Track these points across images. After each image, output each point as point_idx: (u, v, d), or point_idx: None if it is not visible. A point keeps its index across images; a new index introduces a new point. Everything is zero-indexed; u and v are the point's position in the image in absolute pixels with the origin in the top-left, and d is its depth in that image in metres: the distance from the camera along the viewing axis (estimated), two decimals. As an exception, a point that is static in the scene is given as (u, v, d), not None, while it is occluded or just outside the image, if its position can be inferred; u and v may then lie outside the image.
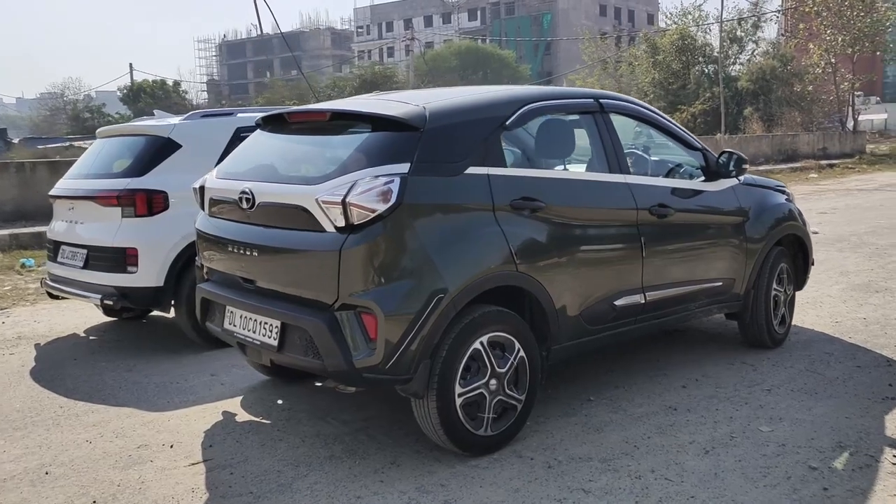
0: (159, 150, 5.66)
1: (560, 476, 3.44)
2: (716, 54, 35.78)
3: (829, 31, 31.10)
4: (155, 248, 5.44)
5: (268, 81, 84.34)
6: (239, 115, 6.25)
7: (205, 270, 4.28)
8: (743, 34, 35.66)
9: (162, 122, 5.97)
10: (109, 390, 4.83)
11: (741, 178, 4.97)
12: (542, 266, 3.76)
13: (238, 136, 5.91)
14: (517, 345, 3.71)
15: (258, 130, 4.34)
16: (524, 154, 4.00)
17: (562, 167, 4.19)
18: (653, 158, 4.75)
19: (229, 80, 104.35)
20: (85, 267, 5.66)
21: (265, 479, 3.50)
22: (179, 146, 5.69)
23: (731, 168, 4.77)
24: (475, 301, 3.54)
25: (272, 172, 3.92)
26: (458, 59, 70.05)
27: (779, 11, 35.98)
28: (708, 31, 37.72)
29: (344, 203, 3.29)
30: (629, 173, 4.32)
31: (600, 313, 4.11)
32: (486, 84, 54.76)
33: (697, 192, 4.68)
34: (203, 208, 4.26)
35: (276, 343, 3.62)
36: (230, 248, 3.88)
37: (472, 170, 3.60)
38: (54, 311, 7.17)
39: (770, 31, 39.56)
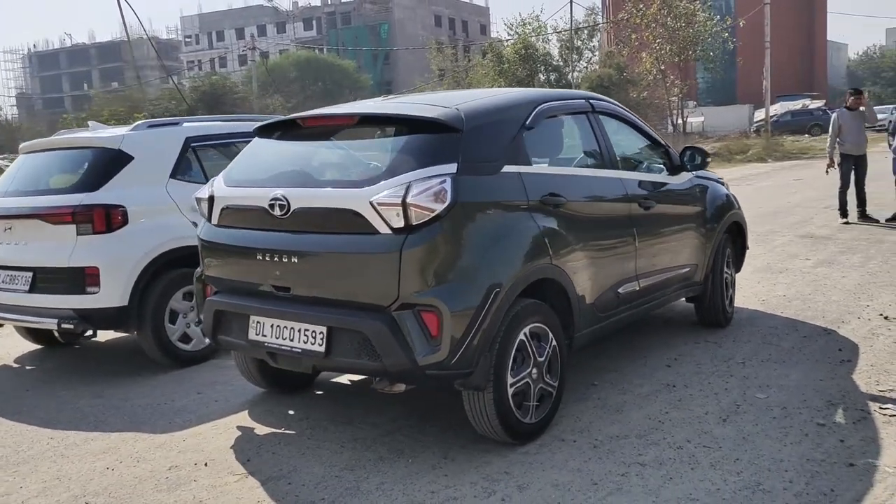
0: (111, 162, 5.38)
1: (610, 454, 3.65)
2: (556, 62, 37.54)
3: (657, 42, 33.44)
4: (117, 265, 5.16)
5: (92, 94, 79.40)
6: (185, 124, 6.04)
7: (210, 282, 4.16)
8: (581, 43, 37.69)
9: (109, 134, 5.67)
10: (94, 417, 4.55)
11: (695, 172, 5.40)
12: (568, 258, 3.96)
13: (188, 147, 5.75)
14: (550, 335, 3.89)
15: (260, 138, 4.27)
16: (542, 152, 4.19)
17: (572, 164, 4.42)
18: (630, 155, 5.07)
19: (42, 93, 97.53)
20: (32, 291, 5.27)
21: (328, 485, 3.47)
22: (131, 158, 5.43)
23: (697, 162, 5.18)
24: (518, 294, 3.69)
25: (306, 178, 3.87)
26: (298, 69, 69.22)
27: (610, 22, 38.30)
28: (547, 40, 39.51)
29: (404, 204, 3.35)
30: (620, 169, 4.62)
31: (608, 301, 4.37)
32: (329, 95, 53.71)
33: (668, 186, 5.05)
34: (209, 218, 4.13)
35: (322, 349, 3.60)
36: (257, 257, 3.80)
37: (506, 168, 3.75)
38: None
39: (605, 40, 41.83)
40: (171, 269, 5.41)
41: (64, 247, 5.15)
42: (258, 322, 3.88)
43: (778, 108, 46.07)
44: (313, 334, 3.65)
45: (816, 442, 3.68)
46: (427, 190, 3.38)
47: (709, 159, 5.24)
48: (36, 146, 5.99)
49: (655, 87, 35.01)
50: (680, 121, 35.73)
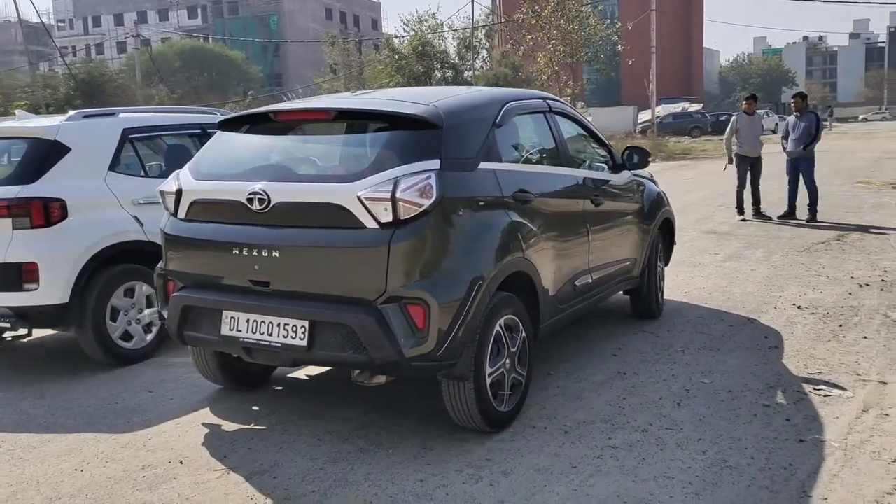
0: (46, 153, 5.15)
1: (581, 438, 3.84)
2: (453, 60, 37.91)
3: (552, 43, 34.38)
4: (57, 261, 4.96)
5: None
6: (121, 115, 5.84)
7: (175, 277, 4.08)
8: (477, 42, 38.22)
9: (43, 123, 5.41)
10: (43, 419, 4.38)
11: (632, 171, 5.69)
12: (536, 252, 4.12)
13: (125, 138, 5.59)
14: (521, 326, 4.04)
15: (225, 132, 4.22)
16: (509, 150, 4.33)
17: (534, 161, 4.57)
18: (580, 153, 5.27)
19: None
20: (-41, 288, 4.99)
21: (314, 477, 3.50)
22: (68, 149, 5.22)
23: (637, 161, 5.45)
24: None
25: (286, 172, 3.86)
26: (182, 58, 66.88)
27: (506, 22, 39.01)
28: (443, 38, 39.84)
29: (393, 199, 3.41)
30: (574, 167, 4.83)
31: (567, 293, 4.57)
32: (217, 86, 51.96)
33: (611, 183, 5.29)
34: (175, 212, 4.05)
35: (304, 343, 3.61)
36: (233, 252, 3.76)
37: (482, 165, 3.87)
38: None
39: (498, 40, 42.46)
40: (111, 265, 5.24)
41: (-1, 241, 4.90)
42: (232, 317, 3.84)
43: (660, 111, 48.20)
44: (294, 328, 3.66)
45: (765, 422, 3.98)
46: (414, 185, 3.45)
47: (650, 159, 5.53)
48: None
49: (549, 87, 35.95)
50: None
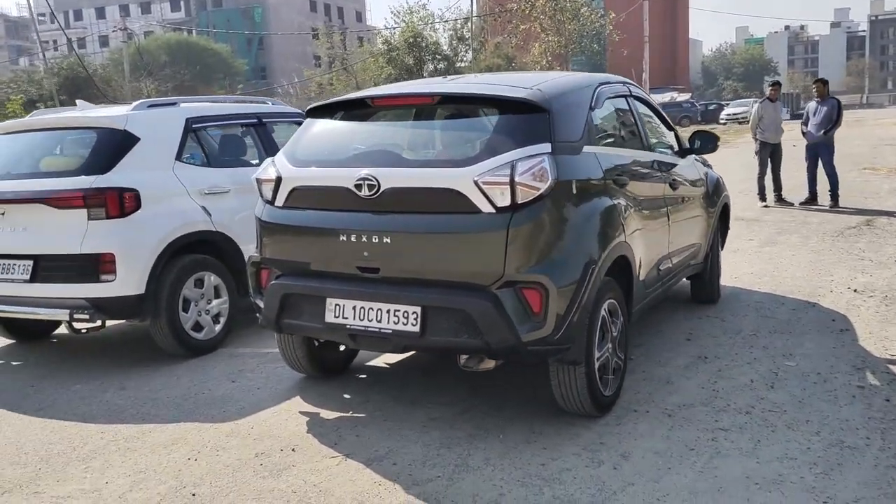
0: (117, 143, 5.10)
1: (687, 422, 3.86)
2: (445, 52, 37.83)
3: (545, 33, 34.44)
4: (134, 252, 4.92)
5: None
6: (182, 104, 5.79)
7: (272, 265, 4.06)
8: (468, 34, 38.13)
9: (111, 114, 5.36)
10: (134, 410, 4.35)
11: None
12: (633, 236, 4.14)
13: (189, 128, 5.55)
14: (619, 310, 4.06)
15: (318, 118, 4.19)
16: (603, 133, 4.33)
17: (622, 145, 4.58)
18: (654, 137, 5.27)
19: None
20: (34, 280, 4.94)
21: (435, 463, 3.50)
22: (137, 139, 5.17)
23: (702, 146, 5.45)
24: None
25: (394, 158, 3.84)
26: (168, 52, 66.20)
27: (501, 13, 38.91)
28: (434, 29, 39.72)
29: (512, 183, 3.41)
30: (653, 150, 4.85)
31: (653, 277, 4.59)
32: (204, 80, 51.34)
33: (682, 167, 5.31)
34: (273, 200, 4.03)
35: (417, 329, 3.61)
36: (340, 238, 3.75)
37: (586, 148, 3.87)
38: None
39: (488, 31, 42.26)
40: (182, 255, 5.21)
41: (73, 233, 4.85)
42: (337, 304, 3.83)
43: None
44: (405, 315, 3.65)
45: (867, 403, 4.02)
46: (531, 169, 3.45)
47: (718, 143, 5.54)
48: (17, 126, 5.58)
49: (543, 78, 36.01)
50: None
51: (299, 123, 6.50)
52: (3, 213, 5.03)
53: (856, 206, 10.78)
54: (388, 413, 4.11)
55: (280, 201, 4.00)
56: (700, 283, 5.96)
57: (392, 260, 3.67)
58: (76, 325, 4.92)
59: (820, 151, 10.90)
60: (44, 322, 5.83)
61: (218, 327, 5.47)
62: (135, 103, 5.50)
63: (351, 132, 4.11)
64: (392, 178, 3.63)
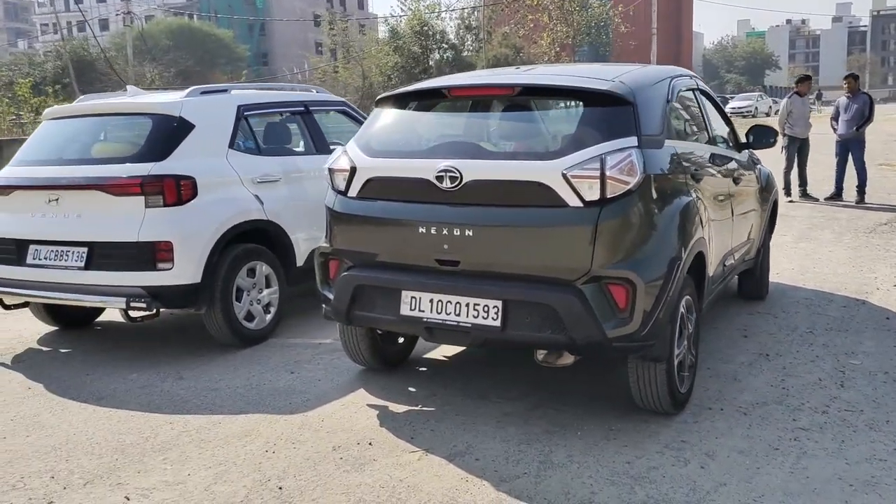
0: (173, 130, 5.04)
1: (764, 420, 3.83)
2: (452, 40, 37.70)
3: (553, 24, 34.33)
4: (191, 240, 4.87)
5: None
6: (233, 91, 5.73)
7: (344, 256, 4.01)
8: (475, 23, 38.01)
9: (165, 100, 5.28)
10: (198, 400, 4.31)
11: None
12: (708, 231, 4.10)
13: (241, 115, 5.49)
14: (693, 306, 4.03)
15: (389, 108, 4.13)
16: (679, 127, 4.28)
17: (695, 140, 4.52)
18: (716, 131, 5.21)
19: None
20: (88, 267, 4.88)
21: (518, 459, 3.47)
22: (192, 126, 5.10)
23: (758, 141, 5.37)
24: (683, 268, 3.77)
25: (476, 149, 3.79)
26: (170, 37, 65.81)
27: (507, 3, 38.76)
28: (441, 18, 39.57)
29: (602, 176, 3.36)
30: (716, 145, 4.80)
31: (718, 273, 4.55)
32: (207, 66, 50.77)
33: (740, 162, 5.26)
34: (346, 191, 3.97)
35: (498, 323, 3.57)
36: (419, 230, 3.70)
37: (667, 143, 3.83)
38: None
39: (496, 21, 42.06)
40: (235, 244, 5.15)
41: (130, 220, 4.79)
42: (413, 297, 3.78)
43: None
44: (485, 308, 3.61)
45: (942, 401, 4.00)
46: (620, 163, 3.40)
47: (776, 138, 5.48)
48: (67, 111, 5.51)
49: (551, 69, 35.91)
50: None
51: (343, 112, 6.49)
52: (56, 200, 4.97)
53: (881, 203, 10.76)
54: (458, 408, 4.07)
55: (353, 192, 3.95)
56: (751, 278, 5.92)
57: (473, 253, 3.62)
58: (132, 313, 4.86)
59: (851, 147, 10.86)
60: (87, 309, 5.78)
61: (269, 317, 5.43)
62: (189, 89, 5.43)
63: (428, 123, 4.05)
64: (475, 169, 3.58)
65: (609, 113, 3.63)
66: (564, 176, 3.40)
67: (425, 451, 3.57)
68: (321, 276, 4.18)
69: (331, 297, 4.08)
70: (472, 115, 4.05)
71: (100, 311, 5.99)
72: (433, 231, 3.66)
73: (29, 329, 5.88)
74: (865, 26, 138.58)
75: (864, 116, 10.70)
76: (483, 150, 3.82)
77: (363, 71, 39.28)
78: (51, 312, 5.73)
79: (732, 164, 4.92)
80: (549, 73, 4.29)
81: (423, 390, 4.34)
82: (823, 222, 9.49)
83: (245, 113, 5.53)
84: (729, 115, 5.59)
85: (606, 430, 3.74)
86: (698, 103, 4.68)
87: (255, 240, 5.32)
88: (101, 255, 4.86)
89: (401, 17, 40.59)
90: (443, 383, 4.43)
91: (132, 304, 4.75)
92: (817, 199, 11.22)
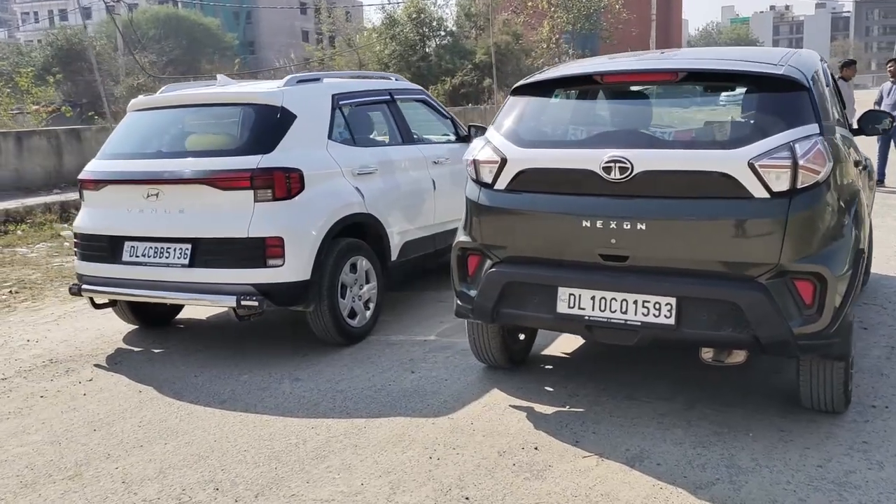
0: (277, 121, 4.82)
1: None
2: (450, 27, 37.38)
3: (553, 10, 34.09)
4: (301, 235, 4.67)
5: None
6: (325, 80, 5.51)
7: (492, 252, 3.83)
8: (475, 10, 37.64)
9: (264, 90, 5.05)
10: (328, 403, 4.12)
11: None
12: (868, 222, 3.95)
13: (336, 105, 5.28)
14: (853, 301, 3.87)
15: (529, 96, 3.93)
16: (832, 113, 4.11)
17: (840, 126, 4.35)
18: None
19: None
20: (192, 265, 4.67)
21: (700, 463, 3.31)
22: (294, 116, 4.89)
23: (881, 127, 5.19)
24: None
25: (648, 139, 3.61)
26: (157, 26, 64.88)
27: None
28: (438, 5, 39.19)
29: (794, 166, 3.20)
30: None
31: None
32: (195, 55, 50.04)
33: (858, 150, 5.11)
34: (493, 183, 3.78)
35: (671, 321, 3.41)
36: (583, 224, 3.52)
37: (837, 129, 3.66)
38: (51, 324, 5.81)
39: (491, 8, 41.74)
40: (339, 239, 4.96)
41: (238, 215, 4.59)
42: (571, 294, 3.62)
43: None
44: (657, 306, 3.45)
45: None
46: (810, 151, 3.24)
47: (891, 124, 5.30)
48: (156, 102, 5.27)
49: (552, 57, 35.66)
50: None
51: (421, 101, 6.29)
52: (156, 195, 4.76)
53: (927, 189, 10.70)
54: (609, 408, 3.91)
55: (502, 184, 3.76)
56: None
57: (645, 247, 3.45)
58: (241, 311, 4.65)
59: (893, 133, 10.77)
60: (168, 306, 5.58)
61: (369, 314, 5.24)
62: (287, 78, 5.21)
63: (584, 111, 3.87)
64: (648, 160, 3.40)
65: (787, 99, 3.45)
66: (752, 166, 3.23)
67: (599, 456, 3.41)
68: (459, 273, 4.00)
69: (471, 294, 3.91)
70: (633, 103, 3.86)
71: (180, 307, 5.78)
72: (599, 225, 3.49)
73: (108, 328, 5.67)
74: (849, 12, 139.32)
75: (909, 102, 10.62)
76: (655, 139, 3.64)
77: (359, 59, 38.87)
78: (135, 311, 5.50)
79: (858, 152, 4.78)
80: (703, 57, 4.09)
81: (560, 389, 4.18)
82: (879, 209, 9.38)
83: (340, 102, 5.33)
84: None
85: (777, 431, 3.60)
86: (836, 87, 4.52)
87: (355, 234, 5.13)
88: (207, 251, 4.65)
89: (398, 2, 40.21)
90: (579, 382, 4.27)
91: (242, 303, 4.54)
92: (860, 186, 11.12)
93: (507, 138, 3.80)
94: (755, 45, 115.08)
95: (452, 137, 6.53)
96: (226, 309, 5.13)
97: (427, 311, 5.78)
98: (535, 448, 3.51)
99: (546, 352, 4.78)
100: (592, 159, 3.48)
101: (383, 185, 5.39)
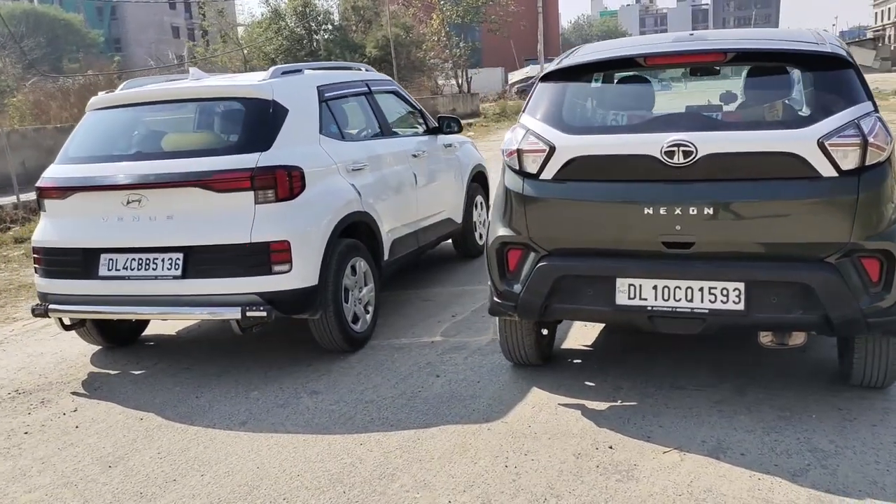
0: (271, 116, 4.44)
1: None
2: (337, 22, 36.81)
3: (442, 3, 34.10)
4: (308, 238, 4.34)
5: None
6: (306, 71, 5.15)
7: (542, 245, 3.64)
8: (362, 4, 37.20)
9: (251, 82, 4.64)
10: (359, 417, 3.83)
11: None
12: None
13: (322, 98, 4.96)
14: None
15: (563, 82, 3.75)
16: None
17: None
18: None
19: None
20: (186, 276, 4.25)
21: (782, 449, 3.25)
22: (287, 110, 4.53)
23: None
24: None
25: (710, 121, 3.50)
26: (14, 23, 60.69)
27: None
28: (324, -1, 38.55)
29: (864, 143, 3.17)
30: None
31: None
32: (58, 54, 47.32)
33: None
34: (539, 173, 3.59)
35: (741, 307, 3.34)
36: (644, 212, 3.38)
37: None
38: (32, 343, 5.21)
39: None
40: (339, 240, 4.64)
41: (237, 219, 4.21)
42: (631, 284, 3.49)
43: (529, 71, 49.05)
44: (724, 292, 3.37)
45: None
46: (875, 128, 3.22)
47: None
48: (129, 98, 4.72)
49: (442, 49, 35.73)
50: (464, 81, 36.87)
51: (393, 92, 6.02)
52: (138, 201, 4.29)
53: None
54: (662, 399, 3.80)
55: (549, 174, 3.57)
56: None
57: (712, 233, 3.35)
58: (245, 323, 4.26)
59: None
60: (134, 323, 5.10)
61: (369, 317, 4.95)
62: (271, 69, 4.81)
63: (631, 95, 3.73)
64: (712, 142, 3.30)
65: (840, 77, 3.42)
66: (821, 145, 3.18)
67: (679, 451, 3.29)
68: (499, 269, 3.79)
69: (514, 290, 3.71)
70: (680, 85, 3.75)
71: (146, 324, 5.30)
72: (662, 211, 3.36)
73: (68, 351, 5.14)
74: (707, 4, 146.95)
75: None
76: (716, 121, 3.55)
77: (244, 55, 37.68)
78: (102, 331, 4.98)
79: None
80: (746, 37, 4.01)
81: (601, 383, 4.04)
82: None
83: (325, 95, 4.99)
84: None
85: (836, 410, 3.59)
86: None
87: (351, 234, 4.82)
88: (202, 260, 4.24)
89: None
90: (616, 374, 4.14)
91: (248, 315, 4.16)
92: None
93: (552, 125, 3.61)
94: (624, 37, 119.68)
95: (421, 130, 6.29)
96: (219, 321, 4.73)
97: (416, 312, 5.53)
98: (610, 447, 3.35)
99: (566, 346, 4.64)
100: (652, 144, 3.35)
101: (373, 180, 5.10)
